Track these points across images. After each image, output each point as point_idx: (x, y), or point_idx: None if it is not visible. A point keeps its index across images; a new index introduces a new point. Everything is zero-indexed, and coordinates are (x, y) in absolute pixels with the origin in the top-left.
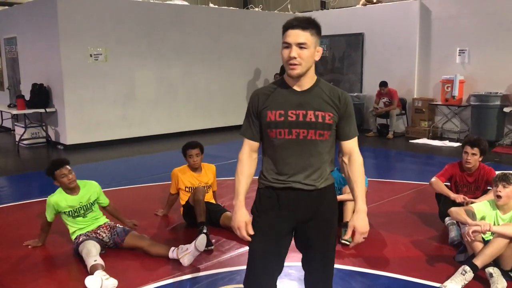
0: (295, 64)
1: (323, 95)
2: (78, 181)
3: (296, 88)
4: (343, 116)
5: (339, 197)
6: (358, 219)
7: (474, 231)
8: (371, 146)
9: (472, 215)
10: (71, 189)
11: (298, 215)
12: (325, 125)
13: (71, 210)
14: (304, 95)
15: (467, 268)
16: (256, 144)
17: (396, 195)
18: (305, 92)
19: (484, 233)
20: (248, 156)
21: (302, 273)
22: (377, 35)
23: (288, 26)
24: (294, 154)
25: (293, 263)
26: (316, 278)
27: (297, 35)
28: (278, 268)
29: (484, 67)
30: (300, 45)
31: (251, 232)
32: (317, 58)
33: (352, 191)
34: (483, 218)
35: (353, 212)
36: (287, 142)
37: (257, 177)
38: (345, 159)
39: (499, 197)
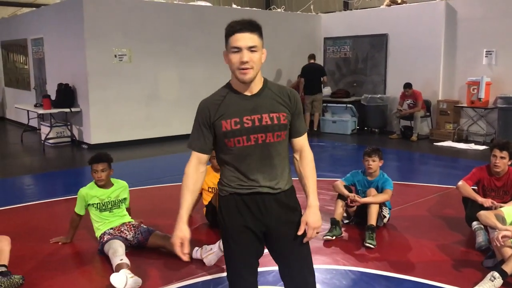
0: (247, 69)
1: (273, 96)
2: (112, 179)
3: (246, 93)
4: (294, 113)
5: (364, 200)
6: (311, 214)
7: (504, 236)
8: (395, 148)
9: (502, 219)
10: (101, 186)
11: (267, 220)
12: (281, 126)
13: (99, 203)
14: (255, 99)
15: (496, 274)
16: (204, 157)
17: (420, 199)
18: (256, 96)
19: None
20: (195, 170)
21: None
22: (401, 36)
23: (235, 30)
24: (256, 159)
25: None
26: (300, 282)
27: (247, 39)
28: (255, 274)
29: (511, 68)
30: (251, 49)
31: (186, 250)
32: (263, 60)
33: (304, 187)
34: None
35: (306, 207)
36: (247, 148)
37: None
38: (297, 156)
39: None
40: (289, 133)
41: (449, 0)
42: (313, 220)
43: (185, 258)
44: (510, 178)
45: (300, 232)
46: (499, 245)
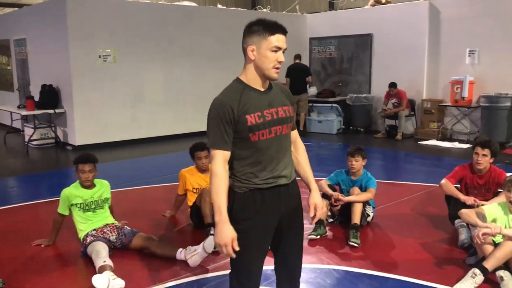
0: (279, 68)
1: (279, 92)
2: (95, 180)
3: (261, 88)
4: (293, 107)
5: (347, 198)
6: (318, 197)
7: (484, 234)
8: (380, 147)
9: (482, 217)
10: (86, 186)
11: (282, 209)
12: (292, 118)
13: (82, 203)
14: (269, 94)
15: (477, 271)
16: (229, 154)
17: (404, 197)
18: (268, 91)
19: (494, 235)
20: (223, 169)
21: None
22: (386, 35)
23: (278, 30)
24: (275, 151)
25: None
26: (295, 263)
27: (284, 41)
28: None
29: (494, 68)
30: (284, 51)
31: (237, 248)
32: None
33: (304, 173)
34: (494, 221)
35: (310, 192)
36: (269, 141)
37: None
38: (291, 146)
39: (511, 202)
40: None
41: (432, 0)
42: (320, 201)
43: (234, 255)
44: (492, 176)
45: (312, 213)
46: (479, 242)
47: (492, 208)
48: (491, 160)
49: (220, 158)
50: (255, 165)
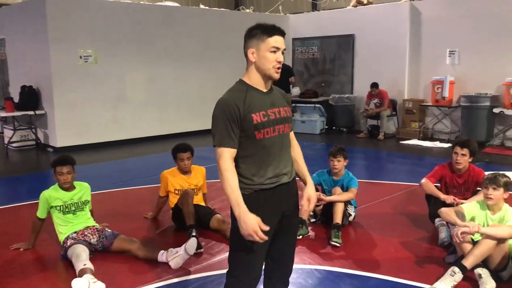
0: (279, 68)
1: (279, 94)
2: (74, 182)
3: (263, 89)
4: (290, 110)
5: (329, 198)
6: (312, 191)
7: (463, 232)
8: (362, 147)
9: (461, 216)
10: (65, 188)
11: (284, 207)
12: (291, 118)
13: (62, 205)
14: (271, 94)
15: (456, 269)
16: (235, 152)
17: (386, 196)
18: (270, 92)
19: (473, 234)
20: (231, 165)
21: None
22: (367, 36)
23: (275, 33)
24: (278, 149)
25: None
26: (288, 261)
27: (282, 42)
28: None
29: (474, 68)
30: (283, 52)
31: (265, 228)
32: None
33: (299, 167)
34: (472, 219)
35: (305, 185)
36: (273, 139)
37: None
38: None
39: (489, 199)
40: None
41: (413, 1)
42: (314, 195)
43: (266, 237)
44: (471, 175)
45: (305, 203)
46: (458, 241)
47: (470, 207)
48: (470, 160)
49: (227, 156)
50: (260, 163)
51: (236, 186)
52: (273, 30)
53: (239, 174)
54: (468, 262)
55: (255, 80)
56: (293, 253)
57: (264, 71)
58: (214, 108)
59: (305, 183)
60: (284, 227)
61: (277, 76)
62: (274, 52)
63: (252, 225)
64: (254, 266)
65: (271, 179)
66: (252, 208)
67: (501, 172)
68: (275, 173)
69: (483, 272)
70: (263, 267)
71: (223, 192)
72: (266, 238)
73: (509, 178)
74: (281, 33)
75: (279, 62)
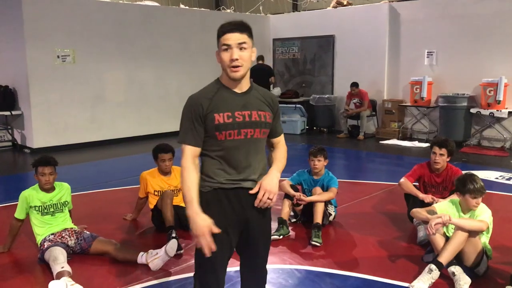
0: (238, 66)
1: (259, 96)
2: (55, 183)
3: (237, 90)
4: (275, 115)
5: (309, 198)
6: (266, 178)
7: (436, 224)
8: (342, 147)
9: (434, 214)
10: (46, 189)
11: (248, 214)
12: (267, 124)
13: (41, 206)
14: (245, 96)
15: (433, 266)
16: (198, 150)
17: (366, 196)
18: (245, 94)
19: (445, 225)
20: (192, 163)
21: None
22: (347, 37)
23: (226, 30)
24: (244, 154)
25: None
26: (262, 269)
27: (237, 37)
28: (225, 271)
29: (451, 69)
30: (241, 46)
31: (216, 230)
32: (253, 58)
33: (270, 163)
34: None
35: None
36: (236, 142)
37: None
38: (272, 148)
39: (475, 207)
40: (269, 134)
41: (392, 3)
42: (266, 182)
43: (214, 246)
44: (449, 175)
45: (253, 191)
46: (432, 233)
47: (443, 205)
48: (448, 159)
49: (189, 153)
50: (222, 164)
51: (193, 185)
52: (224, 27)
53: (201, 171)
54: (443, 258)
55: (226, 80)
56: (264, 262)
57: (225, 71)
58: (184, 105)
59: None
60: (253, 236)
61: (234, 75)
62: (226, 50)
63: (202, 226)
64: (215, 273)
65: (232, 181)
66: (209, 207)
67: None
68: (238, 177)
69: (456, 269)
70: (240, 276)
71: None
72: (214, 246)
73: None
74: (234, 29)
75: (232, 60)
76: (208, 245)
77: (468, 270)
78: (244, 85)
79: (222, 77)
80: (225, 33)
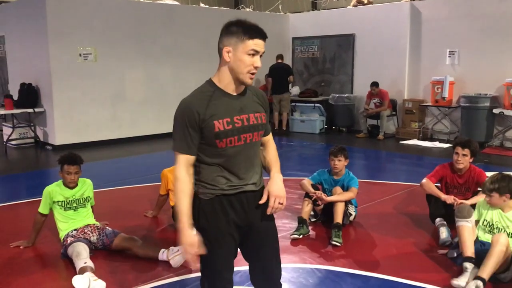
0: (254, 74)
1: (253, 97)
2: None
3: (232, 93)
4: (266, 114)
5: (329, 198)
6: (272, 183)
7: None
8: (361, 147)
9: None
10: (70, 187)
11: (250, 217)
12: (263, 125)
13: (64, 201)
14: (241, 99)
15: (479, 282)
16: (193, 158)
17: (386, 196)
18: (241, 96)
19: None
20: (186, 173)
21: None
22: (368, 36)
23: (256, 35)
24: (244, 159)
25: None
26: (273, 273)
27: (262, 46)
28: (232, 272)
29: (473, 68)
30: (261, 56)
31: (202, 252)
32: None
33: (267, 164)
34: (478, 215)
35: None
36: (237, 148)
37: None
38: (262, 147)
39: (490, 204)
40: None
41: (413, 1)
42: (274, 189)
43: (196, 264)
44: (472, 175)
45: (262, 201)
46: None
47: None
48: (471, 160)
49: (183, 163)
50: (222, 171)
51: (185, 197)
52: (255, 32)
53: (200, 180)
54: (485, 274)
55: (225, 82)
56: (278, 266)
57: (237, 75)
58: (176, 110)
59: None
60: (256, 237)
61: (249, 82)
62: (252, 55)
63: (187, 243)
64: (221, 279)
65: (234, 186)
66: (211, 214)
67: (497, 176)
68: (240, 183)
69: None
70: (251, 280)
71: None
72: (195, 263)
73: (498, 183)
74: (263, 36)
75: (256, 68)
76: (192, 261)
77: (493, 276)
78: (241, 87)
79: (219, 78)
80: (256, 38)
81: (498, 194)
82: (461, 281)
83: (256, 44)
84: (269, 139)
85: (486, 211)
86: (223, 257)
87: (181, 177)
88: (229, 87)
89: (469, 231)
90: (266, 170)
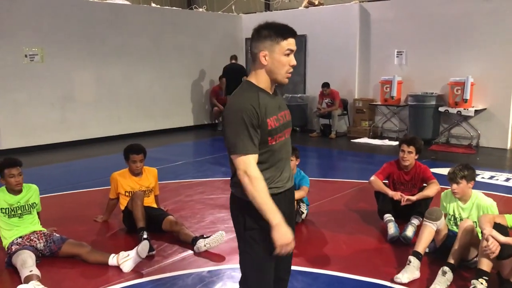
0: (290, 73)
1: (280, 95)
2: (22, 185)
3: (271, 92)
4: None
5: None
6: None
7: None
8: (314, 146)
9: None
10: (15, 191)
11: (287, 214)
12: (291, 121)
13: (8, 208)
14: (276, 98)
15: (446, 268)
16: (257, 157)
17: (337, 194)
18: (275, 95)
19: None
20: (259, 171)
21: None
22: (319, 37)
23: (288, 34)
24: (286, 154)
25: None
26: (287, 266)
27: (294, 44)
28: None
29: (420, 68)
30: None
31: (293, 242)
32: None
33: None
34: (444, 208)
35: None
36: (281, 143)
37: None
38: None
39: (455, 194)
40: None
41: (362, 3)
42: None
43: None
44: (417, 172)
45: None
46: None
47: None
48: (416, 157)
49: (253, 162)
50: (271, 170)
51: (268, 194)
52: (287, 32)
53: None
54: (453, 259)
55: (264, 84)
56: (290, 260)
57: (276, 75)
58: (227, 113)
59: None
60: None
61: (287, 81)
62: (288, 55)
63: (288, 238)
64: (267, 278)
65: (279, 185)
66: (261, 216)
67: (460, 165)
68: (284, 177)
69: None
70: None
71: (253, 201)
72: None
73: (466, 171)
74: (294, 34)
75: (292, 66)
76: (287, 252)
77: (505, 282)
78: (273, 87)
79: (258, 80)
80: (289, 37)
81: (465, 181)
82: (404, 277)
83: (290, 43)
84: None
85: (448, 205)
86: (268, 258)
87: (257, 176)
88: (267, 87)
89: (430, 233)
90: None
